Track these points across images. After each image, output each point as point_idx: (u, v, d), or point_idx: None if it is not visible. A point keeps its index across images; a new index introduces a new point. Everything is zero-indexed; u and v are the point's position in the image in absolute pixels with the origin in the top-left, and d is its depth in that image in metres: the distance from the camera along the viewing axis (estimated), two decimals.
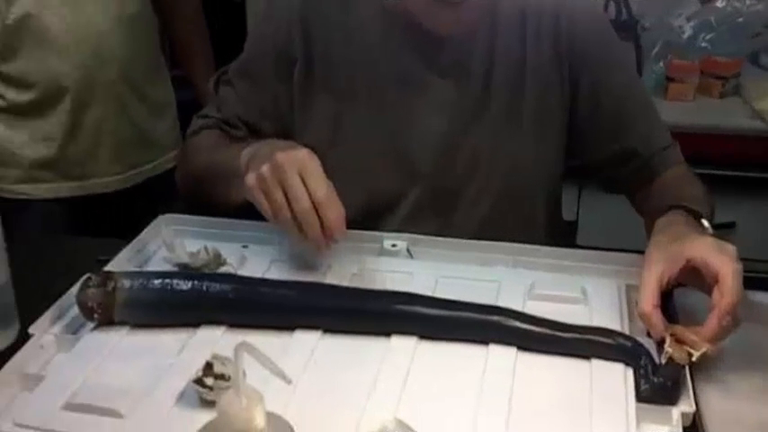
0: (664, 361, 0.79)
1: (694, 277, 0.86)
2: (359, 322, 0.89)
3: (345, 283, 0.96)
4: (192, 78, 1.69)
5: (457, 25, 1.06)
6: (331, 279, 0.98)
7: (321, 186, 0.91)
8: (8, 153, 1.45)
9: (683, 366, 0.80)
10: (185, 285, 0.89)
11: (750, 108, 1.85)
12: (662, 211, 0.99)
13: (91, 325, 0.89)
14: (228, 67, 1.19)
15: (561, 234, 1.26)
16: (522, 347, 0.86)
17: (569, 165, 1.19)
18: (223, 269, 1.00)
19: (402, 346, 0.86)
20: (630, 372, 0.82)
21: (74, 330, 0.90)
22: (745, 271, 0.83)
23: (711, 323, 0.81)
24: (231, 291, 0.89)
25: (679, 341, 0.81)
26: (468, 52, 1.10)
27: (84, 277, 0.89)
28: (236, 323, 0.90)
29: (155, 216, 1.12)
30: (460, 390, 0.80)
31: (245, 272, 0.99)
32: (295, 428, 0.70)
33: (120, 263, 1.00)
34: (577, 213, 1.94)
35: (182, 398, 0.78)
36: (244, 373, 0.65)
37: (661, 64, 1.95)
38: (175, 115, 1.64)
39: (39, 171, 1.47)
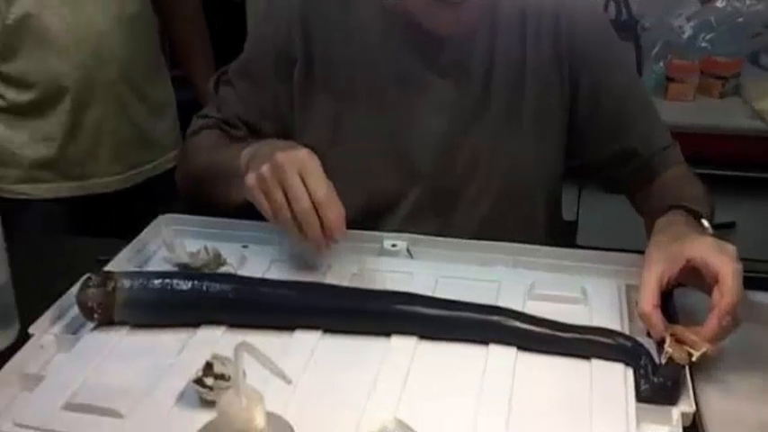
0: (664, 361, 0.79)
1: (694, 277, 0.86)
2: (359, 322, 0.89)
3: (345, 283, 0.96)
4: (192, 78, 1.69)
5: (457, 25, 1.06)
6: (331, 279, 0.98)
7: (321, 186, 0.91)
8: (8, 153, 1.45)
9: (683, 366, 0.80)
10: (185, 285, 0.89)
11: (750, 108, 1.85)
12: (662, 211, 0.99)
13: (91, 325, 0.89)
14: (228, 67, 1.19)
15: (561, 234, 1.26)
16: (522, 347, 0.86)
17: (569, 165, 1.19)
18: (223, 269, 1.00)
19: (402, 346, 0.86)
20: (630, 372, 0.82)
21: (74, 330, 0.90)
22: (745, 271, 0.83)
23: (711, 323, 0.81)
24: (231, 291, 0.89)
25: (679, 341, 0.81)
26: (468, 52, 1.10)
27: (84, 277, 0.89)
28: (236, 323, 0.90)
29: (155, 216, 1.12)
30: (460, 390, 0.80)
31: (245, 272, 0.99)
32: (295, 428, 0.70)
33: (120, 263, 1.00)
34: (577, 213, 1.93)
35: (182, 398, 0.78)
36: (244, 373, 0.65)
37: (661, 64, 1.95)
38: (175, 115, 1.64)
39: (39, 171, 1.47)
